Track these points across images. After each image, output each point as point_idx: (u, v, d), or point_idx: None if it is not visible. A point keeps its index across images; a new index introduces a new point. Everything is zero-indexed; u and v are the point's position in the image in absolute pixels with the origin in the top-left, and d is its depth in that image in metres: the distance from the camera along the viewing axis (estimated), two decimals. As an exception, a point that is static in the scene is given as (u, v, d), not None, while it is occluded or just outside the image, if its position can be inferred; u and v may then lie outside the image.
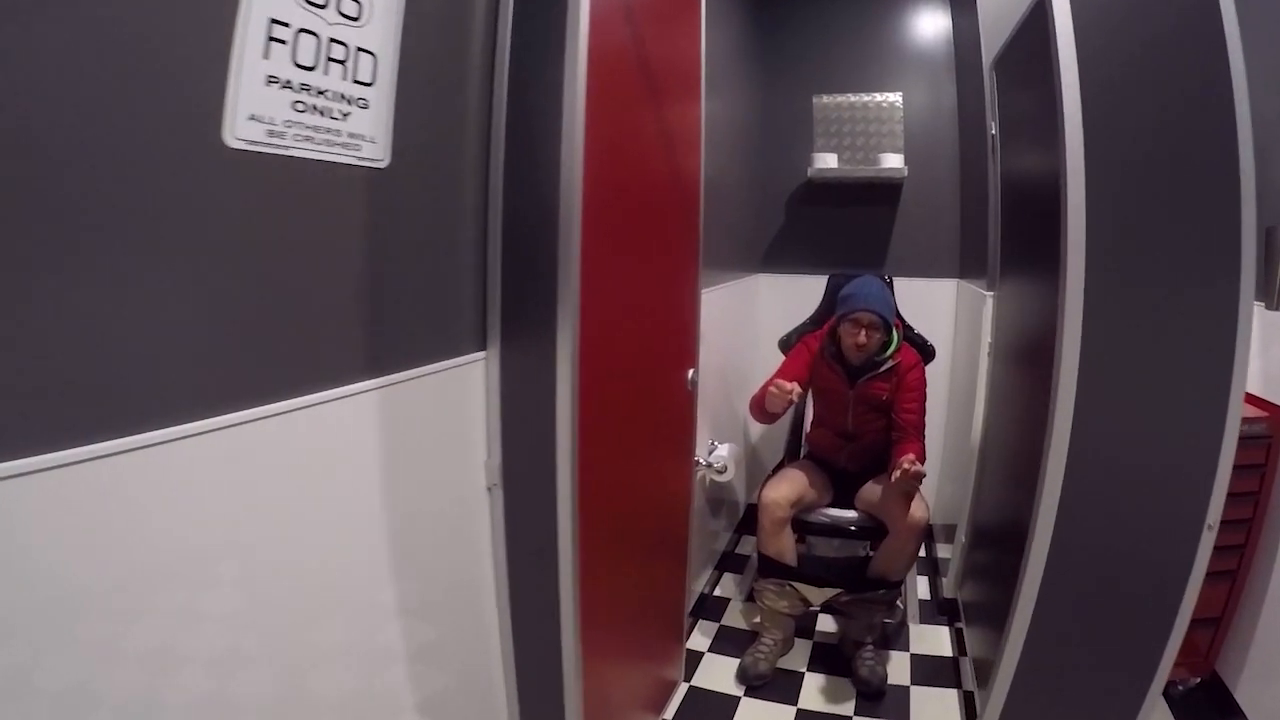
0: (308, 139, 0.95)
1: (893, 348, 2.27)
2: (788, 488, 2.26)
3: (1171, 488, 1.17)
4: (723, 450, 2.35)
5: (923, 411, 2.27)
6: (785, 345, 2.63)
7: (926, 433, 2.27)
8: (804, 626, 2.44)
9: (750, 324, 3.17)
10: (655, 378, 1.68)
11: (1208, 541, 1.16)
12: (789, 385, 2.07)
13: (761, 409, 2.23)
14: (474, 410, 1.32)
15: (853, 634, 2.27)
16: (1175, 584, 1.17)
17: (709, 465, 2.28)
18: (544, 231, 1.16)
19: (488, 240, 1.29)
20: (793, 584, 2.23)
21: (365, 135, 1.03)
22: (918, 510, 2.12)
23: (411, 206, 1.14)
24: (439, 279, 1.22)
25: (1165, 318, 1.14)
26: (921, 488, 2.28)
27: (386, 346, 1.11)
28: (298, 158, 0.93)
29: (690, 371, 1.85)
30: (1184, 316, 1.13)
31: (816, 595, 2.23)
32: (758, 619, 2.36)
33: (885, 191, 3.07)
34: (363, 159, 1.03)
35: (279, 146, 0.91)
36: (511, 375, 1.31)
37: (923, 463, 2.16)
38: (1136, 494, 1.17)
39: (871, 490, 2.31)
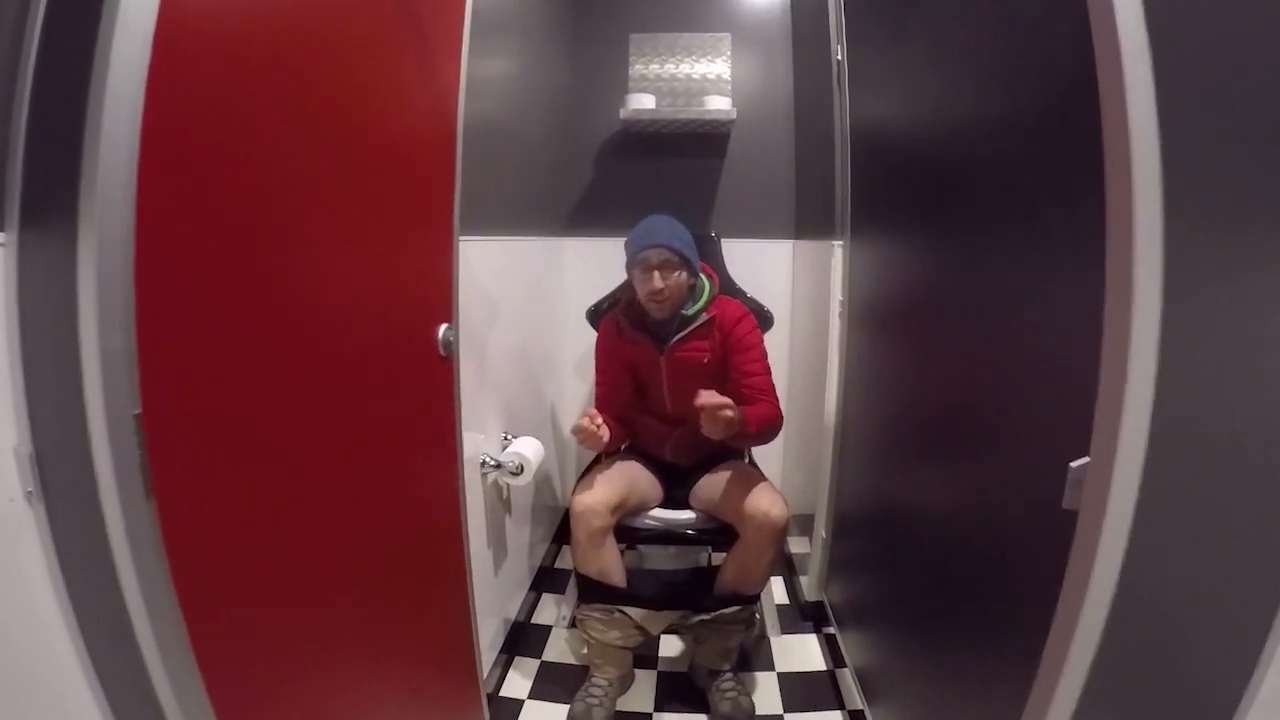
0: None
1: (705, 298, 1.88)
2: (604, 490, 1.80)
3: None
4: (520, 446, 1.84)
5: (769, 371, 1.89)
6: (594, 317, 2.22)
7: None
8: (645, 654, 2.02)
9: (555, 295, 2.65)
10: (367, 335, 1.12)
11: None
12: (593, 426, 1.74)
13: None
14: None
15: (706, 661, 1.87)
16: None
17: (499, 465, 1.75)
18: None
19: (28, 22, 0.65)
20: (623, 609, 1.79)
21: None
22: (774, 508, 1.73)
23: None
24: None
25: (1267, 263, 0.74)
26: (770, 478, 1.92)
27: None
28: None
29: (442, 328, 1.31)
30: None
31: (655, 621, 1.82)
32: (586, 650, 1.88)
33: (710, 141, 2.70)
34: None
35: None
36: (43, 286, 0.67)
37: (778, 422, 1.82)
38: (1227, 496, 0.77)
39: (709, 485, 1.92)
